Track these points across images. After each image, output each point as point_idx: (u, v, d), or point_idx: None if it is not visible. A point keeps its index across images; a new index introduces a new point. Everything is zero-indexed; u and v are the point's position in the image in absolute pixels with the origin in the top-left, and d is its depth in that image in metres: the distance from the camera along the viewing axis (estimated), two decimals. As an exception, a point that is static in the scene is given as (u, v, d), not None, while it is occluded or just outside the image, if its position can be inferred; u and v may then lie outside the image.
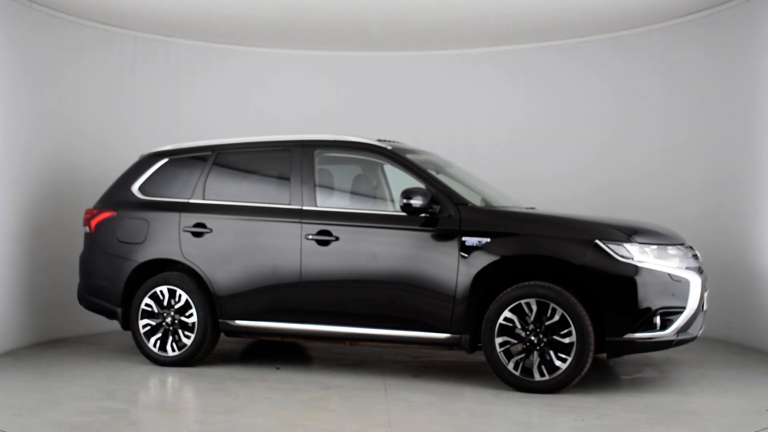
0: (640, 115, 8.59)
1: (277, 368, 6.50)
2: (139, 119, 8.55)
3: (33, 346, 7.29)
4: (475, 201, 6.91)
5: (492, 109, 9.29)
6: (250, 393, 5.61)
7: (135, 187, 6.89)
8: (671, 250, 5.77)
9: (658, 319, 5.49)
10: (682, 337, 5.64)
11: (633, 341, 5.48)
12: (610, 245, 5.55)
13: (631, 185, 8.55)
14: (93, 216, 6.92)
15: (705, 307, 5.92)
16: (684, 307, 5.58)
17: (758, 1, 7.30)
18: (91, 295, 6.93)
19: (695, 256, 6.06)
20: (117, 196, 6.93)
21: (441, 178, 6.87)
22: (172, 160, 6.89)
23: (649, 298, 5.47)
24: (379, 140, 6.62)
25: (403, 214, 5.95)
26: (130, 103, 8.50)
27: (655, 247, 5.67)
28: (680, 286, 5.58)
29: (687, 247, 6.09)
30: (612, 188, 8.64)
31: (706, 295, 6.00)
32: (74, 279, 7.16)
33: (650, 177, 8.46)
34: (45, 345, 7.38)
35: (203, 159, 6.76)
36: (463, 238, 5.81)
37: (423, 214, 5.91)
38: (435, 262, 5.85)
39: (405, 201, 5.82)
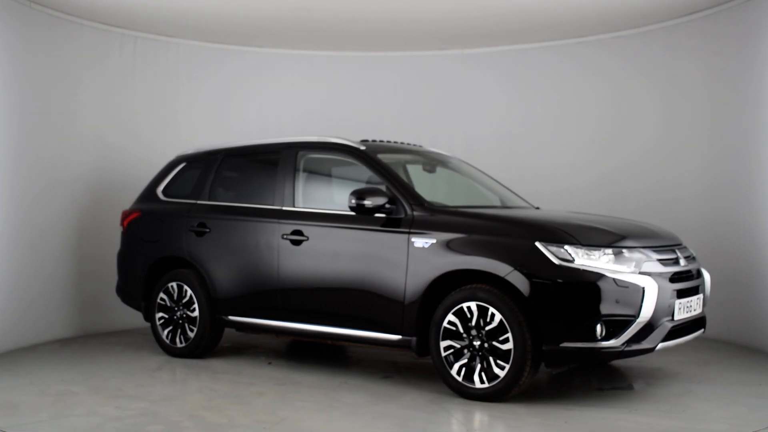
0: (639, 115, 8.48)
1: (269, 363, 6.74)
2: (139, 119, 8.61)
3: (91, 335, 8.02)
4: (478, 200, 6.79)
5: (492, 108, 9.27)
6: (204, 384, 5.91)
7: (159, 190, 7.41)
8: (627, 253, 5.30)
9: (600, 328, 5.08)
10: (633, 347, 5.17)
11: (570, 350, 5.12)
12: (549, 247, 5.22)
13: (629, 183, 8.47)
14: (125, 216, 7.53)
15: (680, 316, 5.40)
16: (634, 316, 5.11)
17: (758, 1, 7.12)
18: (124, 290, 7.54)
19: (673, 260, 5.54)
20: (146, 198, 7.49)
21: (434, 176, 6.85)
22: (189, 164, 7.34)
23: (589, 304, 5.08)
24: (363, 141, 6.66)
25: (381, 215, 5.89)
26: (130, 102, 8.54)
27: (604, 249, 5.25)
28: (628, 292, 5.11)
29: (665, 249, 5.58)
30: (611, 186, 8.58)
31: (687, 301, 5.49)
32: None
33: (649, 177, 8.35)
34: (103, 335, 8.08)
35: (212, 162, 7.13)
36: (412, 239, 5.72)
37: (378, 214, 5.87)
38: (388, 262, 5.79)
39: (354, 201, 5.81)
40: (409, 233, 5.73)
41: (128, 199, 7.78)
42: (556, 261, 5.17)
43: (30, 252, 7.45)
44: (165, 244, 7.13)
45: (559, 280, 5.13)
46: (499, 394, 5.30)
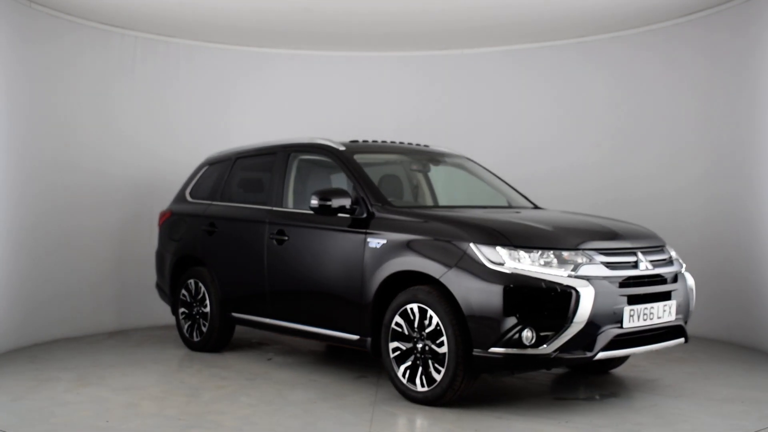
0: (639, 115, 8.47)
1: (269, 359, 6.94)
2: (139, 119, 8.62)
3: (144, 328, 8.56)
4: (482, 200, 6.70)
5: (492, 108, 9.22)
6: (180, 377, 6.23)
7: (187, 191, 7.81)
8: (567, 255, 5.02)
9: (528, 334, 4.85)
10: (568, 355, 4.90)
11: (500, 356, 4.91)
12: (482, 249, 5.05)
13: (631, 183, 8.48)
14: (161, 216, 7.99)
15: (633, 323, 5.04)
16: (565, 322, 4.83)
17: (758, 1, 7.12)
18: (160, 286, 8.01)
19: (629, 264, 5.18)
20: (177, 199, 7.91)
21: (442, 176, 6.84)
22: (210, 166, 7.68)
23: (516, 309, 4.86)
24: (353, 141, 6.71)
25: (345, 215, 5.94)
26: (130, 103, 8.55)
27: (540, 251, 5.00)
28: (559, 297, 4.84)
29: (622, 252, 5.23)
30: (611, 185, 8.59)
31: (646, 308, 5.13)
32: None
33: (651, 176, 8.34)
34: (154, 328, 8.59)
35: (227, 164, 7.43)
36: (368, 240, 5.71)
37: (341, 215, 5.90)
38: (349, 262, 5.81)
39: (315, 202, 5.86)
40: (365, 234, 5.73)
41: (130, 198, 8.24)
42: (486, 263, 4.99)
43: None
44: (185, 243, 7.50)
45: (488, 283, 4.94)
46: (436, 398, 5.19)
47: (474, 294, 4.98)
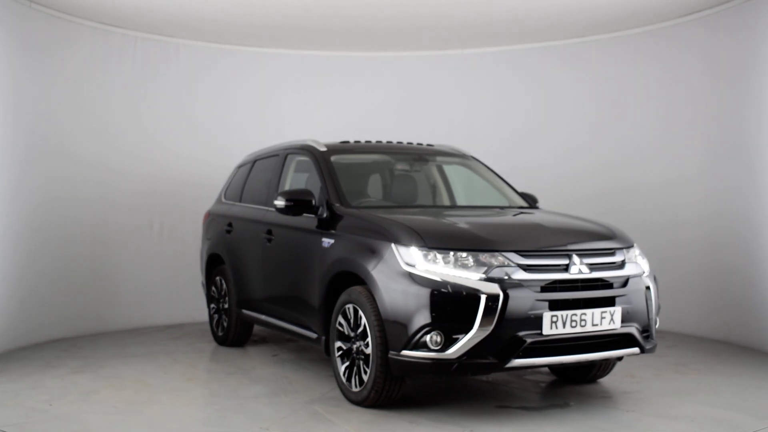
0: (639, 115, 8.47)
1: (274, 355, 7.14)
2: (138, 119, 8.64)
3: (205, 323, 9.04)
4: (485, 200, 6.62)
5: (492, 108, 9.25)
6: (169, 368, 6.55)
7: (223, 193, 8.18)
8: (485, 258, 4.81)
9: (436, 338, 4.72)
10: (476, 361, 4.70)
11: (411, 359, 4.81)
12: (400, 249, 4.97)
13: (630, 183, 8.47)
14: (204, 217, 8.42)
15: (556, 330, 4.76)
16: (471, 327, 4.65)
17: (757, 1, 7.15)
18: (202, 284, 8.44)
19: (558, 267, 4.90)
20: (217, 200, 8.30)
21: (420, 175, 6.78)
22: (240, 169, 8.00)
23: (421, 311, 4.74)
24: (344, 142, 6.77)
25: (310, 215, 6.06)
26: (130, 102, 8.56)
27: (454, 252, 4.84)
28: (465, 300, 4.66)
29: (551, 254, 4.95)
30: (611, 187, 8.62)
31: (575, 314, 4.83)
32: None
33: (650, 176, 8.32)
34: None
35: (249, 167, 7.72)
36: (322, 239, 5.77)
37: (306, 215, 5.99)
38: (309, 262, 5.91)
39: (278, 202, 5.98)
40: (321, 234, 5.79)
41: (131, 198, 8.63)
42: (401, 264, 4.91)
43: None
44: (213, 242, 7.87)
45: (399, 284, 4.86)
46: (363, 400, 5.16)
47: (388, 295, 4.92)
